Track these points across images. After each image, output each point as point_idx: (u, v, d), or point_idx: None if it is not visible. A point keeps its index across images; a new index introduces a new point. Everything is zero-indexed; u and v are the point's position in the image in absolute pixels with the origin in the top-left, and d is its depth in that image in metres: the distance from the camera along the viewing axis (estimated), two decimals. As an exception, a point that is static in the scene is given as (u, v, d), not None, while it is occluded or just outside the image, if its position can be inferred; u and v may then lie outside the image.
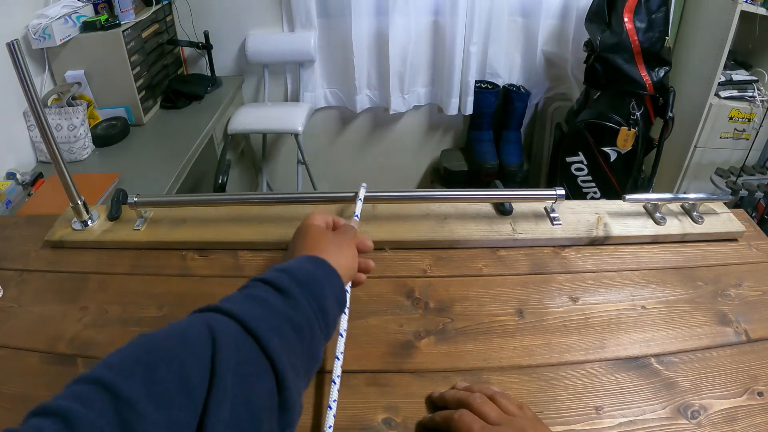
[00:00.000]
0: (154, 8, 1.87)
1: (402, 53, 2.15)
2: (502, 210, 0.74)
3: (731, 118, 1.94)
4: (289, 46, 2.15)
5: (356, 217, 0.63)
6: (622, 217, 0.74)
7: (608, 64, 1.80)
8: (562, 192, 0.70)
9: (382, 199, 0.72)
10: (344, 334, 0.50)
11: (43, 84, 1.62)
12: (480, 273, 0.66)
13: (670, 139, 1.87)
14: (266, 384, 0.34)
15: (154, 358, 0.32)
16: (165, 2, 1.97)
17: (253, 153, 2.52)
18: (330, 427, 0.43)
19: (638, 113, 1.81)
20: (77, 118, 1.53)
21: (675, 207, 0.75)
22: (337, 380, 0.46)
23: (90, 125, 1.63)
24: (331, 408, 0.44)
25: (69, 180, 0.69)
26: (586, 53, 1.92)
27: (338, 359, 0.47)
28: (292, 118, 2.05)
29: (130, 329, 0.59)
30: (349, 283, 0.52)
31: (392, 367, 0.53)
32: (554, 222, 0.72)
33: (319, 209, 0.67)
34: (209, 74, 2.17)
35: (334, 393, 0.45)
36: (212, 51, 2.13)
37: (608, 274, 0.66)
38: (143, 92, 1.79)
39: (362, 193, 0.68)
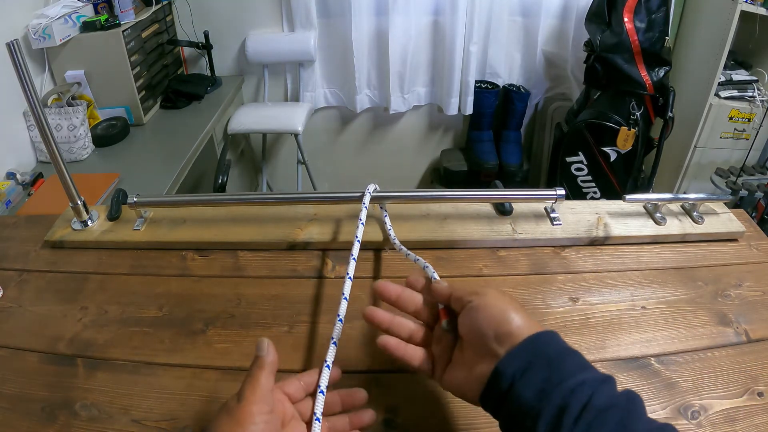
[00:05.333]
0: (154, 8, 1.87)
1: (402, 53, 2.15)
2: (502, 210, 0.74)
3: (731, 118, 1.94)
4: (289, 46, 2.15)
5: (339, 322, 0.46)
6: (622, 217, 0.74)
7: (608, 64, 1.80)
8: (562, 192, 0.70)
9: (382, 199, 0.71)
10: (336, 343, 0.46)
11: (43, 84, 1.62)
12: (480, 273, 0.66)
13: (670, 139, 1.87)
14: None
15: None
16: (165, 2, 1.97)
17: (253, 153, 2.52)
18: None
19: (638, 113, 1.81)
20: (77, 118, 1.53)
21: (675, 207, 0.75)
22: (322, 394, 0.42)
23: (90, 125, 1.63)
24: (318, 420, 0.41)
25: (69, 180, 0.69)
26: (586, 53, 1.92)
27: (328, 368, 0.44)
28: (292, 118, 2.05)
29: (130, 329, 0.59)
30: None
31: (392, 367, 0.53)
32: (554, 222, 0.72)
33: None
34: (209, 74, 2.17)
35: (319, 406, 0.42)
36: (212, 51, 2.13)
37: (608, 274, 0.66)
38: (143, 92, 1.79)
39: (364, 215, 0.62)
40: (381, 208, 0.69)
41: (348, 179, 2.54)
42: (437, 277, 0.48)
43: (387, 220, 0.67)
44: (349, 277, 0.52)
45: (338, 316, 0.48)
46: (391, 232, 0.64)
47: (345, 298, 0.50)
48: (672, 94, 1.79)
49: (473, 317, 0.41)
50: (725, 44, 1.80)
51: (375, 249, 0.69)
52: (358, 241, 0.58)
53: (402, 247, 0.59)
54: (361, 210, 0.64)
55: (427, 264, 0.50)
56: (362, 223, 0.62)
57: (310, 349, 0.56)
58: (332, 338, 0.46)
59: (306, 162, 2.18)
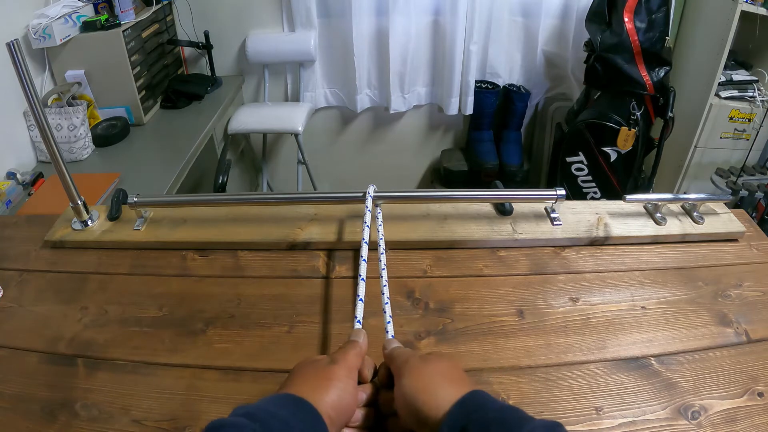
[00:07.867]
0: (154, 8, 1.87)
1: (402, 53, 2.15)
2: (503, 210, 0.74)
3: (731, 118, 1.94)
4: (289, 46, 2.15)
5: (358, 324, 0.50)
6: (622, 217, 0.74)
7: (608, 64, 1.80)
8: (563, 192, 0.70)
9: (382, 199, 0.72)
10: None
11: (43, 84, 1.62)
12: (480, 273, 0.66)
13: (670, 139, 1.87)
14: None
15: None
16: (165, 2, 1.97)
17: (253, 153, 2.52)
18: None
19: (638, 113, 1.81)
20: (77, 117, 1.53)
21: (675, 207, 0.75)
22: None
23: (90, 125, 1.63)
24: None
25: (69, 180, 0.69)
26: (586, 53, 1.92)
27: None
28: (292, 118, 2.05)
29: (130, 329, 0.59)
30: None
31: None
32: (554, 222, 0.72)
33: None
34: (209, 74, 2.17)
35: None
36: (212, 51, 2.13)
37: (608, 274, 0.66)
38: (143, 92, 1.79)
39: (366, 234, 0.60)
40: (377, 206, 0.69)
41: (348, 179, 2.54)
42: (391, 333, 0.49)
43: (381, 228, 0.65)
44: (362, 278, 0.53)
45: (356, 317, 0.50)
46: (381, 242, 0.62)
47: (360, 300, 0.50)
48: (672, 94, 1.79)
49: (398, 402, 0.41)
50: (725, 44, 1.79)
51: (373, 249, 0.69)
52: (366, 242, 0.58)
53: (384, 273, 0.56)
54: (365, 213, 0.64)
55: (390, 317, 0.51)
56: (367, 225, 0.62)
57: (310, 349, 0.56)
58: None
59: (306, 162, 2.18)
